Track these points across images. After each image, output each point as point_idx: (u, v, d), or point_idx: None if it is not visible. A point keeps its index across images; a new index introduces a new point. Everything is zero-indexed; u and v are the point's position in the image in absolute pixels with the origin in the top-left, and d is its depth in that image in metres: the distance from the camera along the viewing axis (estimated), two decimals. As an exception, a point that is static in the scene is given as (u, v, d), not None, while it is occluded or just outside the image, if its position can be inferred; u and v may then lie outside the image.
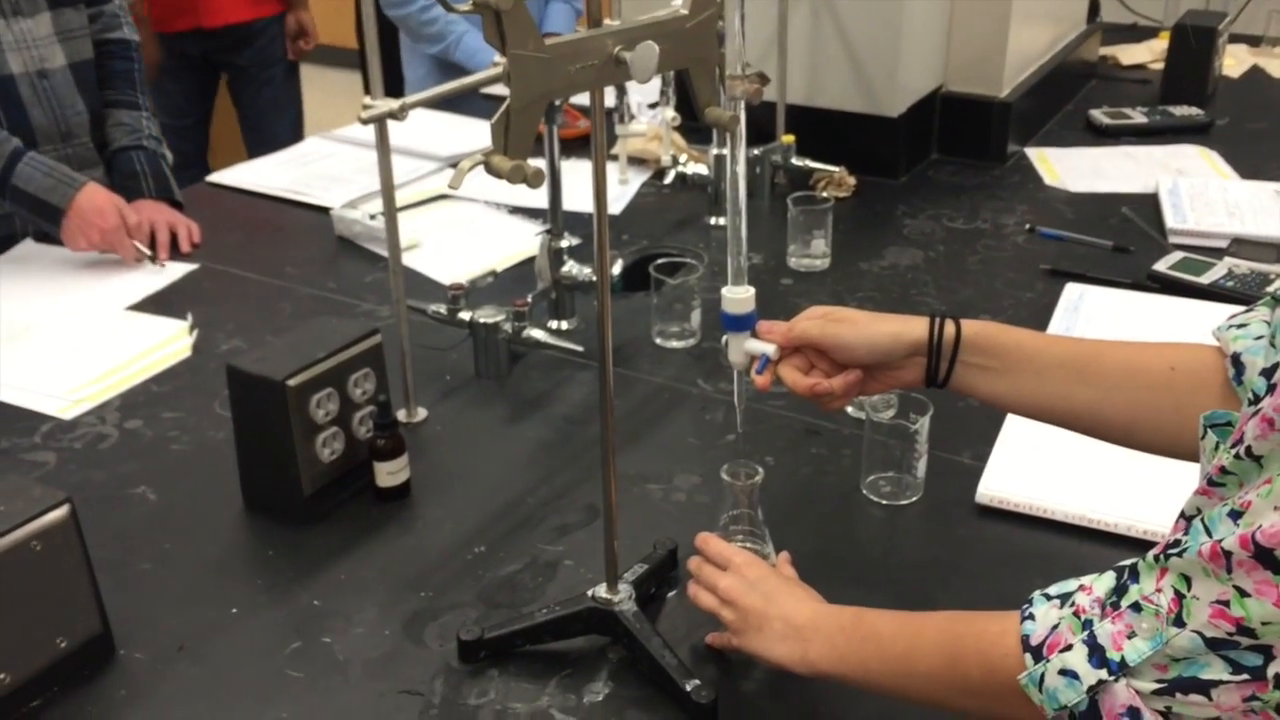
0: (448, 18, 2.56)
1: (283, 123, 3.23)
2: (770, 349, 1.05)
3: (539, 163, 0.91)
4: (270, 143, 2.73)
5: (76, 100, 1.89)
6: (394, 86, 2.74)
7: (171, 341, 1.58)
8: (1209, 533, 0.71)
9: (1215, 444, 0.81)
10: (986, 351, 1.00)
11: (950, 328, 1.00)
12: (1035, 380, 0.99)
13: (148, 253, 1.77)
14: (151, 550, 1.19)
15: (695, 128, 1.98)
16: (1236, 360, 0.87)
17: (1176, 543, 0.73)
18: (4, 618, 0.96)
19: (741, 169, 1.02)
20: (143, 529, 1.22)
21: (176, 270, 1.79)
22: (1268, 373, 0.75)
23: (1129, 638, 0.72)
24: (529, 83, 0.79)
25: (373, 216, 1.84)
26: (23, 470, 1.31)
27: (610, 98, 1.94)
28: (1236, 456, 0.71)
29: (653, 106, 2.16)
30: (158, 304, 1.69)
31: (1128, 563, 0.77)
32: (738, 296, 1.04)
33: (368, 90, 1.24)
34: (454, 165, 2.17)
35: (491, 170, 0.79)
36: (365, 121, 1.20)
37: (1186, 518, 0.75)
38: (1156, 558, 0.74)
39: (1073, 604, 0.77)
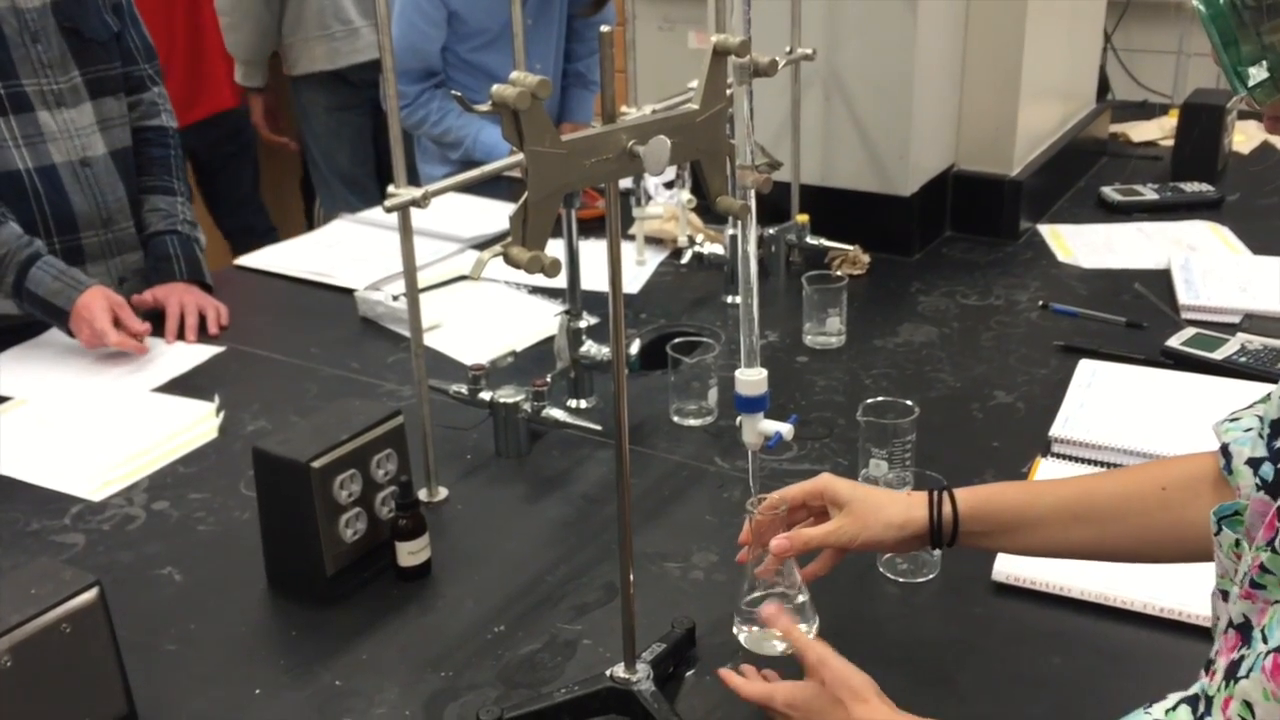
0: (459, 123, 2.59)
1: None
2: (785, 428, 1.09)
3: (557, 245, 0.94)
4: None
5: (117, 186, 1.94)
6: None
7: (199, 423, 1.61)
8: (1266, 640, 0.71)
9: (1234, 540, 0.82)
10: (985, 520, 1.06)
11: (948, 508, 1.06)
12: (1035, 533, 1.05)
13: (139, 345, 1.79)
14: (177, 631, 1.20)
15: (711, 207, 2.01)
16: (1225, 450, 0.90)
17: (1240, 661, 0.73)
18: (33, 699, 0.97)
19: (753, 251, 1.05)
20: (168, 610, 1.24)
21: (204, 352, 1.83)
22: (1254, 462, 0.77)
23: None
24: (546, 177, 0.82)
25: (395, 298, 1.88)
26: (53, 552, 1.33)
27: (627, 180, 1.99)
28: (1274, 552, 0.72)
29: (669, 186, 2.21)
30: (185, 386, 1.73)
31: (1195, 690, 0.78)
32: (750, 379, 1.07)
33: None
34: (476, 247, 2.22)
35: (510, 261, 0.82)
36: (389, 209, 1.24)
37: (1236, 626, 0.75)
38: (1225, 682, 0.74)
39: None
